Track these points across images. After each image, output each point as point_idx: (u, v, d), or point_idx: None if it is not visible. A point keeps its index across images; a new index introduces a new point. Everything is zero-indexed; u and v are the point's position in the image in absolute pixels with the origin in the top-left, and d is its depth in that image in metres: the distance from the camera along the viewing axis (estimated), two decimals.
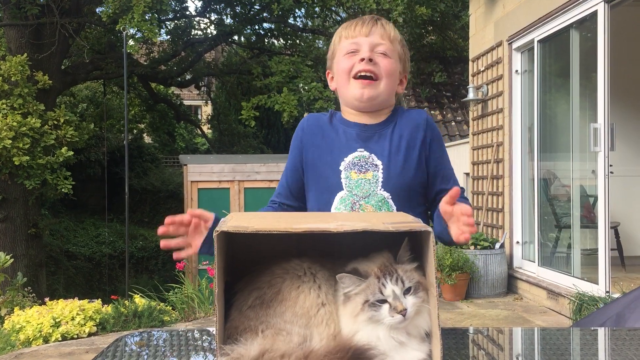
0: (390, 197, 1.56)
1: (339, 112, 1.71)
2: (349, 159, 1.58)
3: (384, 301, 1.07)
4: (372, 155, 1.58)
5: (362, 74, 1.56)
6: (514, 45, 6.60)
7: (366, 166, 1.57)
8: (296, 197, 1.68)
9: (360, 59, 1.56)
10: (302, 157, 1.65)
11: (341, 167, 1.58)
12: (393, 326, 1.06)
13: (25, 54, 9.86)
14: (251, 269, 1.19)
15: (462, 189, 1.66)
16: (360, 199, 1.56)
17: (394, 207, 1.56)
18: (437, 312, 1.07)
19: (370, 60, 1.56)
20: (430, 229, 1.07)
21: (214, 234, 1.04)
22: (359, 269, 1.10)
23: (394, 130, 1.61)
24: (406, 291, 1.08)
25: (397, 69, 1.62)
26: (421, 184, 1.61)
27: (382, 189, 1.56)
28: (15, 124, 9.29)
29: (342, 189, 1.57)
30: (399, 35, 1.64)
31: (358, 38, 1.58)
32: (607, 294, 4.90)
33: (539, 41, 6.15)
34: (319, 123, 1.67)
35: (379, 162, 1.58)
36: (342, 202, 1.57)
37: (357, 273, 1.09)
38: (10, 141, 9.17)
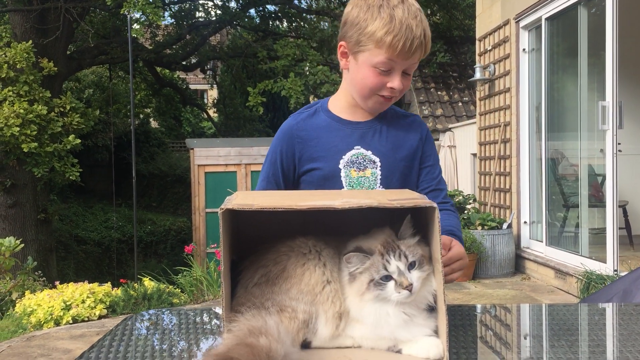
0: None
1: (324, 103, 1.65)
2: (347, 157, 1.57)
3: (389, 277, 1.07)
4: (369, 151, 1.58)
5: (386, 95, 1.53)
6: (522, 24, 6.53)
7: (364, 163, 1.57)
8: None
9: (390, 87, 1.50)
10: (291, 162, 1.60)
11: (340, 166, 1.57)
12: (400, 302, 1.06)
13: (30, 41, 9.86)
14: (257, 248, 1.20)
15: (449, 200, 1.64)
16: None
17: None
18: (443, 288, 1.07)
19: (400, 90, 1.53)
20: (435, 204, 1.06)
21: (219, 212, 1.04)
22: (362, 247, 1.10)
23: (387, 126, 1.61)
24: (410, 266, 1.08)
25: None
26: (416, 181, 1.63)
27: (381, 186, 1.57)
28: (22, 111, 9.33)
29: (343, 187, 1.57)
30: (428, 30, 1.52)
31: (397, 61, 1.47)
32: (615, 273, 4.89)
33: (546, 19, 6.08)
34: (307, 125, 1.61)
35: (376, 159, 1.57)
36: None
37: (361, 251, 1.09)
38: (18, 128, 9.21)
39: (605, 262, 5.04)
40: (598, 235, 5.46)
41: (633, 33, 6.01)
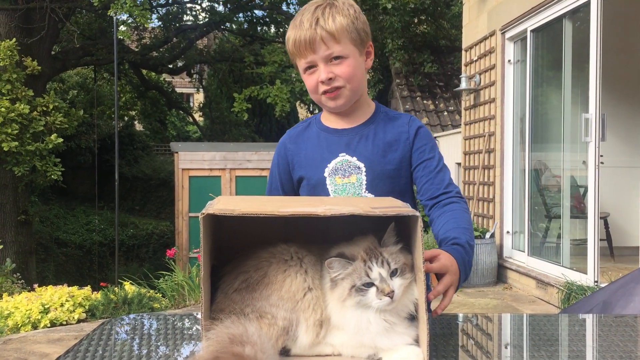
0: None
1: (318, 116, 1.69)
2: (332, 164, 1.58)
3: (370, 284, 1.06)
4: (354, 158, 1.58)
5: (327, 90, 1.54)
6: (507, 35, 6.59)
7: (349, 169, 1.57)
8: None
9: (320, 81, 1.53)
10: (286, 174, 1.67)
11: (325, 174, 1.58)
12: (381, 309, 1.06)
13: (14, 39, 9.75)
14: (239, 253, 1.19)
15: (458, 194, 1.55)
16: None
17: None
18: (425, 297, 1.06)
19: (330, 78, 1.52)
20: (418, 213, 1.06)
21: (200, 217, 1.03)
22: (345, 253, 1.09)
23: (375, 131, 1.60)
24: (392, 273, 1.07)
25: (357, 62, 1.54)
26: (407, 184, 1.61)
27: (367, 191, 1.57)
28: (3, 109, 9.21)
29: (329, 195, 1.58)
30: (345, 17, 1.50)
31: (308, 57, 1.52)
32: (596, 284, 4.93)
33: (532, 31, 6.14)
34: (298, 138, 1.66)
35: (361, 165, 1.57)
36: None
37: (343, 257, 1.08)
38: None
39: (586, 273, 5.08)
40: (579, 247, 5.50)
41: (617, 46, 6.09)
